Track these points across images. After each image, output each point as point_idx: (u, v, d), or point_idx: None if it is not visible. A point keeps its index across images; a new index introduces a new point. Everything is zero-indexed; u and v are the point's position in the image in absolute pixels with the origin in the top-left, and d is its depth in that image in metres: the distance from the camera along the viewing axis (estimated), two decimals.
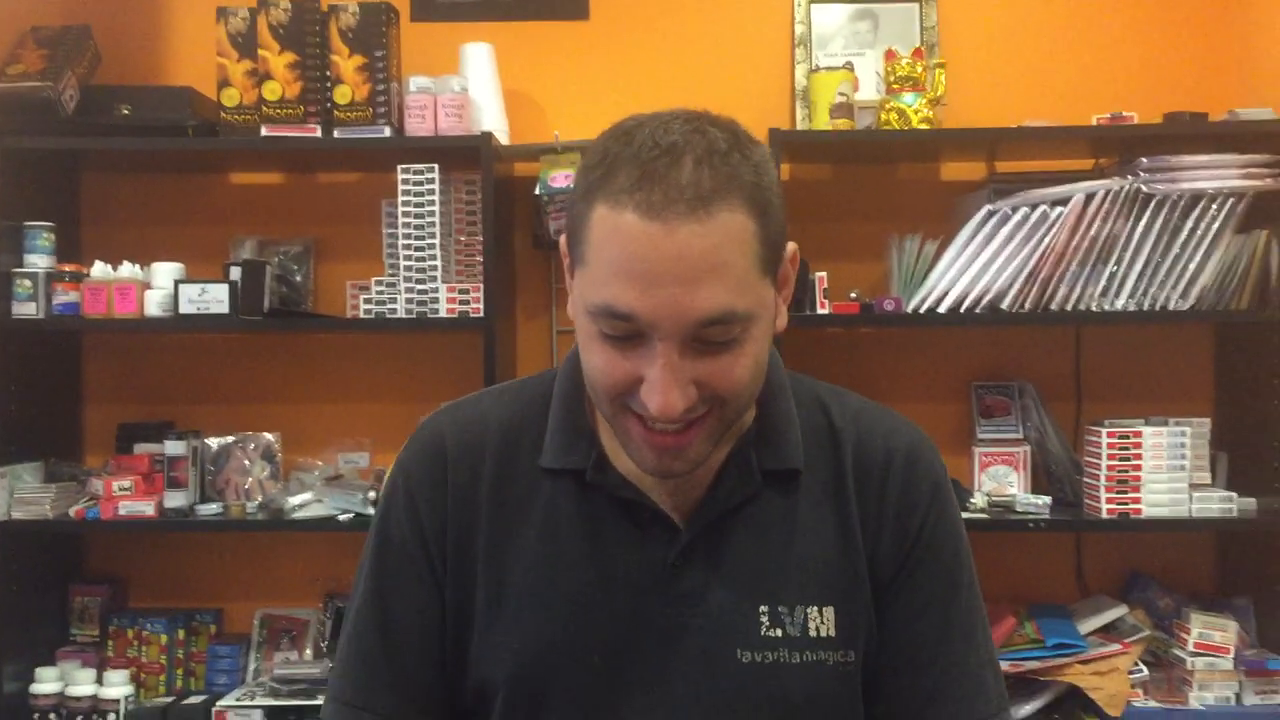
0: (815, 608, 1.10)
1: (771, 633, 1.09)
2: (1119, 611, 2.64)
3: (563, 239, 1.08)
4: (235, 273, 2.63)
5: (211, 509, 2.68)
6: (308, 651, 2.83)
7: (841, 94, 2.66)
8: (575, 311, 1.06)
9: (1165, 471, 2.53)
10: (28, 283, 2.60)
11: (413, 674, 1.15)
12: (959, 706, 1.13)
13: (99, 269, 2.63)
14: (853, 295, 2.62)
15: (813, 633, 1.10)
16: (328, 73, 2.63)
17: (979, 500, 2.59)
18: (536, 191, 2.68)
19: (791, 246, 1.08)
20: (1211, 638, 2.48)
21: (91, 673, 2.67)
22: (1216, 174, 2.50)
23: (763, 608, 1.10)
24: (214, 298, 2.60)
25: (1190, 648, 2.48)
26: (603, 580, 1.11)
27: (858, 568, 1.13)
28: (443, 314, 2.59)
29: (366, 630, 1.16)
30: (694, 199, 0.96)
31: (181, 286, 2.60)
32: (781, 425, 1.15)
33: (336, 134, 2.62)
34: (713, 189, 0.96)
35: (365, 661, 1.16)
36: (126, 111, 2.68)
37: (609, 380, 1.02)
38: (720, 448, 1.11)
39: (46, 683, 2.63)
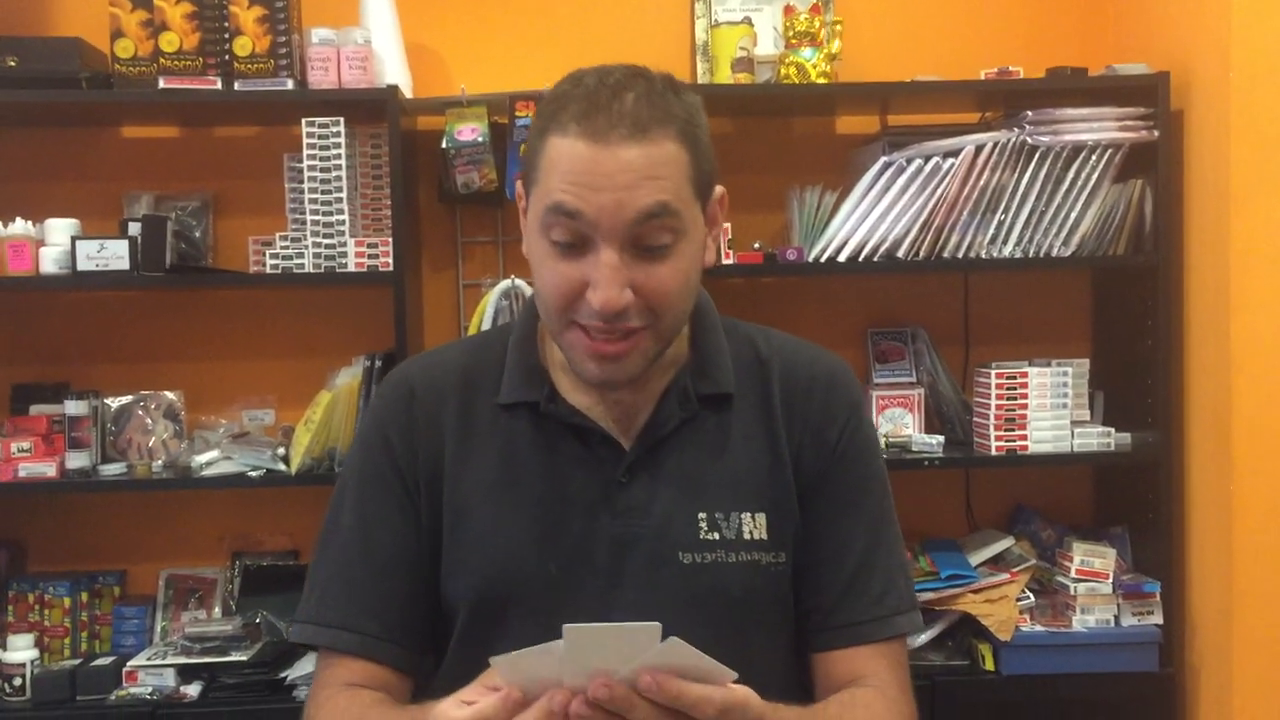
0: (749, 514, 1.25)
1: (709, 536, 1.23)
2: (1006, 543, 2.78)
3: (519, 183, 1.21)
4: (135, 228, 2.58)
5: (116, 469, 2.64)
6: (216, 610, 2.81)
7: (742, 49, 2.72)
8: (529, 241, 1.19)
9: (1049, 410, 2.67)
10: None
11: (395, 597, 1.25)
12: (870, 600, 1.27)
13: None
14: (756, 246, 2.69)
15: (746, 536, 1.24)
16: (226, 24, 2.57)
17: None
18: (444, 145, 2.68)
19: (720, 190, 1.24)
20: (1092, 564, 2.63)
21: None
22: (1095, 126, 2.63)
23: (701, 514, 1.24)
24: (113, 254, 2.54)
25: (1072, 574, 2.62)
26: (557, 498, 1.24)
27: (786, 478, 1.27)
28: (351, 268, 2.58)
29: (351, 560, 1.26)
30: (633, 125, 1.10)
31: (79, 243, 2.54)
32: (715, 356, 1.29)
33: (237, 86, 2.58)
34: (650, 118, 1.11)
35: (349, 588, 1.26)
36: (13, 63, 2.58)
37: (559, 291, 1.15)
38: (660, 377, 1.26)
39: None
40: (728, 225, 2.64)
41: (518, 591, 1.22)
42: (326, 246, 2.59)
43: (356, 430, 1.36)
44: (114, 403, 2.73)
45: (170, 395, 2.78)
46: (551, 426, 1.26)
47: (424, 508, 1.26)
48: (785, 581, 1.27)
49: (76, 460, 2.60)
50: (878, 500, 1.31)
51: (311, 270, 2.59)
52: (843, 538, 1.28)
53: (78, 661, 2.66)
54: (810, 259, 2.65)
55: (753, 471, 1.26)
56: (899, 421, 2.78)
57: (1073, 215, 2.64)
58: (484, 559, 1.23)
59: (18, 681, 2.56)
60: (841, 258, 2.64)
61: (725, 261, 2.63)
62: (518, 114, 2.69)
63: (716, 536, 1.23)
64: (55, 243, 2.57)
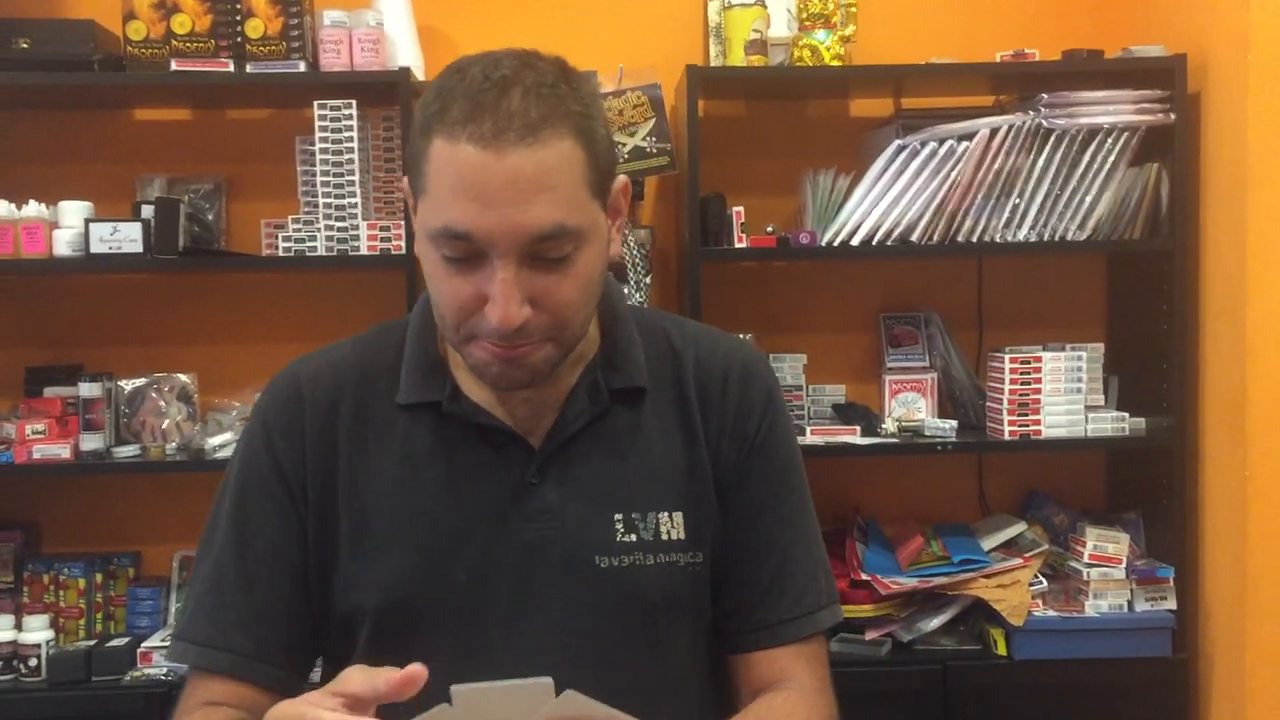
0: (666, 513, 1.19)
1: (626, 538, 1.17)
2: (1019, 528, 2.78)
3: (406, 178, 1.13)
4: (148, 211, 2.58)
5: (130, 451, 2.65)
6: None
7: (756, 30, 2.70)
8: (420, 244, 1.11)
9: (1063, 394, 2.66)
10: None
11: (272, 613, 1.18)
12: (792, 598, 1.24)
13: (3, 208, 2.55)
14: (769, 229, 2.68)
15: (664, 536, 1.19)
16: (239, 5, 2.57)
17: (889, 425, 2.70)
18: None
19: (622, 179, 1.16)
20: (1105, 549, 2.62)
21: (10, 618, 2.62)
22: (1112, 109, 2.61)
23: (617, 516, 1.18)
24: (126, 237, 2.55)
25: (1085, 559, 2.62)
26: (463, 503, 1.17)
27: (703, 474, 1.22)
28: (364, 251, 2.58)
29: (225, 571, 1.18)
30: (523, 126, 1.02)
31: (92, 225, 2.54)
32: (626, 348, 1.23)
33: (249, 69, 2.57)
34: (540, 117, 1.03)
35: (223, 603, 1.18)
36: (25, 46, 2.59)
37: (454, 304, 1.08)
38: (569, 372, 1.20)
39: None
40: (740, 209, 2.63)
41: (426, 602, 1.15)
42: (339, 229, 2.59)
43: (244, 428, 1.25)
44: (127, 385, 2.74)
45: (183, 378, 2.78)
46: (455, 427, 1.18)
47: (313, 517, 1.18)
48: (704, 581, 1.22)
49: (90, 442, 2.61)
50: (798, 494, 1.27)
51: (324, 253, 2.59)
52: (764, 535, 1.24)
53: (93, 642, 2.67)
54: (823, 243, 2.64)
55: (669, 468, 1.21)
56: (912, 406, 2.78)
57: (1088, 199, 2.63)
58: (388, 569, 1.16)
59: (33, 662, 2.58)
60: (855, 241, 2.63)
61: (738, 245, 2.63)
62: None
63: (634, 538, 1.17)
64: (69, 225, 2.57)
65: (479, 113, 1.02)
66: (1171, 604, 2.60)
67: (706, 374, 1.25)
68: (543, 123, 1.03)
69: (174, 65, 2.56)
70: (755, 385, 1.26)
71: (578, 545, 1.16)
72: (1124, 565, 2.61)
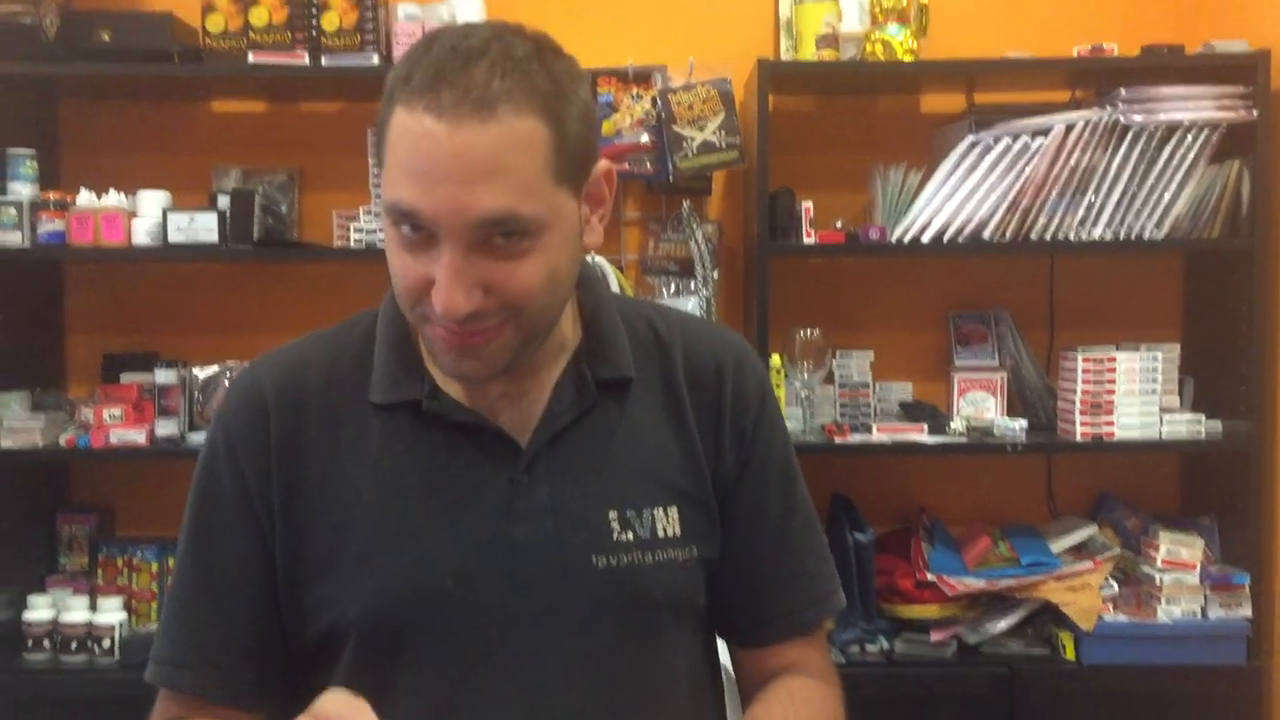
0: (660, 508, 1.14)
1: (623, 536, 1.12)
2: (1089, 531, 2.73)
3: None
4: (223, 201, 2.63)
5: (203, 437, 2.68)
6: None
7: (828, 25, 2.68)
8: (384, 222, 1.06)
9: (1137, 395, 2.61)
10: (12, 211, 2.57)
11: (237, 628, 1.13)
12: (806, 585, 1.22)
13: (85, 197, 2.61)
14: (838, 225, 2.66)
15: (660, 533, 1.13)
16: None
17: (958, 424, 2.67)
18: None
19: (604, 164, 1.09)
20: (1179, 554, 2.57)
21: (85, 600, 2.68)
22: (1192, 105, 2.56)
23: (612, 513, 1.12)
24: (202, 226, 2.59)
25: (1159, 564, 2.57)
26: (449, 506, 1.10)
27: (697, 469, 1.17)
28: None
29: (187, 588, 1.14)
30: (479, 100, 0.97)
31: (170, 215, 2.59)
32: (611, 337, 1.17)
33: (324, 61, 2.61)
34: (500, 92, 0.97)
35: (186, 619, 1.14)
36: (107, 38, 2.64)
37: (405, 284, 1.03)
38: (551, 364, 1.14)
39: (39, 610, 2.64)
40: (809, 204, 2.62)
41: (414, 613, 1.08)
42: None
43: (206, 437, 1.17)
44: (201, 373, 2.78)
45: None
46: (435, 426, 1.11)
47: (282, 532, 1.11)
48: (700, 577, 1.17)
49: (165, 428, 2.66)
50: (799, 482, 1.24)
51: None
52: (775, 528, 1.20)
53: None
54: (893, 239, 2.62)
55: (661, 463, 1.15)
56: (981, 405, 2.74)
57: (1166, 197, 2.58)
58: (371, 581, 1.09)
59: (107, 643, 2.63)
60: (925, 238, 2.60)
61: (806, 240, 2.61)
62: (599, 90, 2.69)
63: (630, 536, 1.11)
64: (147, 214, 2.62)
65: (439, 83, 0.97)
66: (1247, 611, 2.55)
67: (697, 366, 1.19)
68: (501, 98, 0.97)
69: (251, 58, 2.60)
70: (749, 377, 1.21)
71: (572, 545, 1.11)
72: (1198, 571, 2.56)
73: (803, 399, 2.64)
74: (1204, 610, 2.56)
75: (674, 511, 1.14)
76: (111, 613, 2.66)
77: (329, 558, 1.10)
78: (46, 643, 2.63)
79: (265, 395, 1.13)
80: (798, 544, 1.22)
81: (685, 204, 2.73)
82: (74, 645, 2.63)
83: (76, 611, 2.65)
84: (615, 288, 2.56)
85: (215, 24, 2.61)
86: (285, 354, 1.18)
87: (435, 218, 0.98)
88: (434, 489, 1.11)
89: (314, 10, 2.61)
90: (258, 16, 2.59)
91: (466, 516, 1.10)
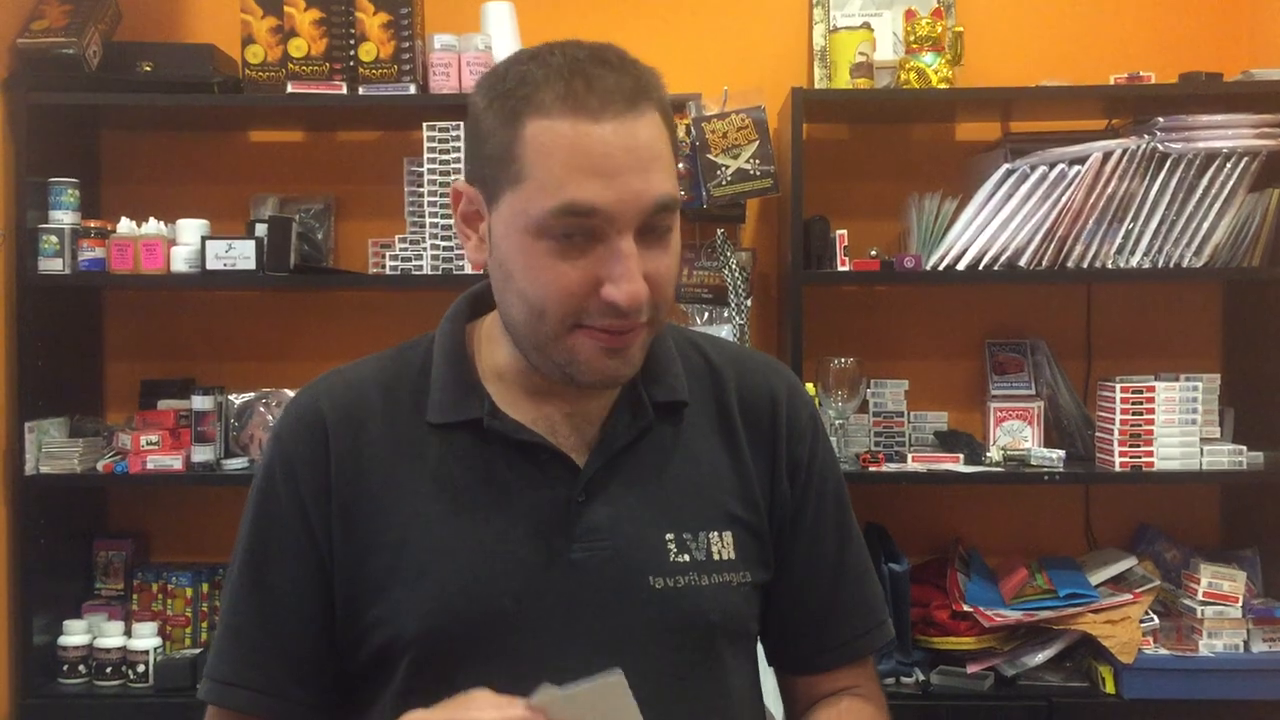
0: (715, 532, 1.15)
1: (680, 558, 1.13)
2: (1129, 563, 2.69)
3: (464, 186, 1.11)
4: (261, 229, 2.65)
5: (239, 463, 2.70)
6: None
7: (861, 53, 2.68)
8: (506, 241, 1.06)
9: (1177, 426, 2.58)
10: (54, 239, 2.61)
11: (290, 648, 1.13)
12: (863, 612, 1.25)
13: (125, 225, 2.64)
14: (873, 253, 2.65)
15: (716, 556, 1.15)
16: (353, 30, 2.63)
17: (994, 454, 2.64)
18: None
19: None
20: (1221, 587, 2.53)
21: (120, 625, 2.70)
22: (1231, 133, 2.53)
23: (669, 535, 1.14)
24: (240, 254, 2.61)
25: (1200, 597, 2.53)
26: (507, 525, 1.11)
27: (750, 495, 1.19)
28: (469, 270, 2.61)
29: (242, 607, 1.15)
30: (625, 98, 1.03)
31: (208, 243, 2.62)
32: (666, 362, 1.19)
33: (362, 91, 2.63)
34: (635, 90, 1.04)
35: (240, 638, 1.15)
36: (149, 69, 2.68)
37: (564, 293, 1.04)
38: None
39: (75, 635, 2.66)
40: (844, 232, 2.62)
41: (470, 632, 1.09)
42: (445, 249, 2.63)
43: (263, 455, 1.18)
44: (237, 399, 2.80)
45: (291, 393, 2.84)
46: (494, 445, 1.13)
47: (339, 550, 1.12)
48: (754, 601, 1.19)
49: (201, 454, 2.68)
50: (849, 509, 1.26)
51: (430, 272, 2.63)
52: (833, 556, 1.23)
53: (199, 650, 2.73)
54: (928, 267, 2.61)
55: (715, 487, 1.17)
56: (1017, 435, 2.72)
57: (1205, 225, 2.56)
58: (428, 599, 1.09)
59: (141, 668, 2.64)
60: (960, 266, 2.59)
61: (841, 268, 2.60)
62: None
63: (687, 558, 1.13)
64: (186, 242, 2.65)
65: (578, 89, 1.02)
66: None
67: (751, 394, 1.22)
68: (638, 94, 1.04)
69: (290, 88, 2.63)
70: (802, 408, 1.24)
71: (630, 566, 1.12)
72: (1240, 604, 2.52)
73: (837, 428, 2.62)
74: (1247, 644, 2.52)
75: (728, 536, 1.16)
76: (146, 638, 2.67)
77: (387, 576, 1.11)
78: (82, 668, 2.65)
79: (324, 415, 1.14)
80: (855, 572, 1.25)
81: (719, 232, 2.73)
82: (109, 670, 2.64)
83: (112, 637, 2.66)
84: None
85: (255, 55, 2.64)
86: (342, 375, 1.19)
87: (616, 209, 1.02)
88: (492, 507, 1.12)
89: (351, 41, 2.63)
90: (296, 48, 2.62)
91: (525, 536, 1.11)
